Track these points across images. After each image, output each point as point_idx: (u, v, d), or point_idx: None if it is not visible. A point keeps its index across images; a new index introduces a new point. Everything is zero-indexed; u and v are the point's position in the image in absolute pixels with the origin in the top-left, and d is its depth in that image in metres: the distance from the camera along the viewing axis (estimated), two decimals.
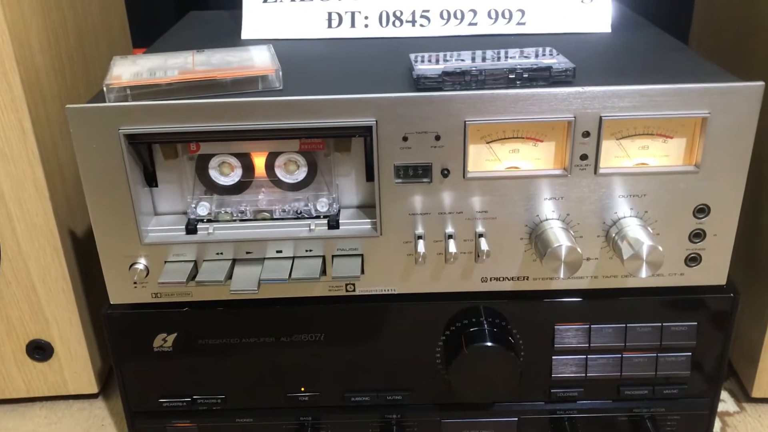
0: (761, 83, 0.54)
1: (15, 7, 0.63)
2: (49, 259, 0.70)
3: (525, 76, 0.55)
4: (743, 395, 0.77)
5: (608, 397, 0.66)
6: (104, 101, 0.55)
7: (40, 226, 0.69)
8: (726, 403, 0.76)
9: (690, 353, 0.64)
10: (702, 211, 0.58)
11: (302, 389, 0.66)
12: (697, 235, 0.59)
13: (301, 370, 0.65)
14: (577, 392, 0.66)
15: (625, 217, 0.58)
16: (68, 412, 0.79)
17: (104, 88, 0.55)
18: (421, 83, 0.55)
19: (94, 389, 0.78)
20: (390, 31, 0.72)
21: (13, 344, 0.74)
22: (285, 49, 0.67)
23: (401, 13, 0.72)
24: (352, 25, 0.73)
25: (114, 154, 0.55)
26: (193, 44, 0.71)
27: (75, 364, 0.76)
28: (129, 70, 0.58)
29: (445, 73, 0.55)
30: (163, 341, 0.63)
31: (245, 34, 0.74)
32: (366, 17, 0.72)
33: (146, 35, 1.01)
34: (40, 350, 0.75)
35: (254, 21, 0.73)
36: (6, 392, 0.77)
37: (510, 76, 0.55)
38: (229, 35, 0.75)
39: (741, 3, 0.78)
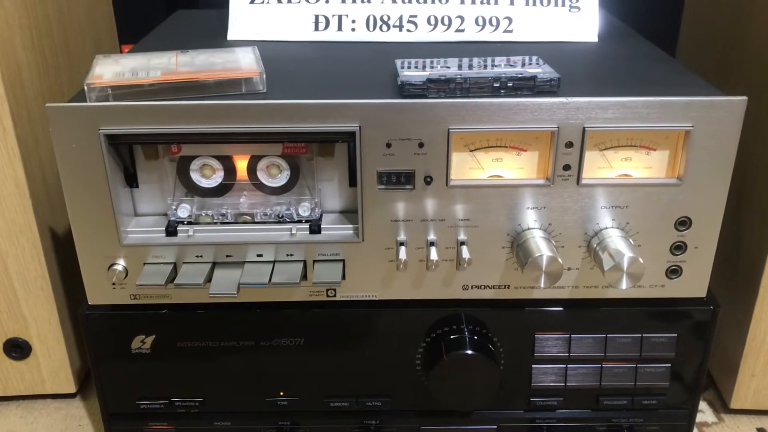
0: (744, 98, 0.54)
1: None
2: (29, 257, 0.70)
3: (509, 85, 0.55)
4: (722, 406, 0.77)
5: (587, 407, 0.66)
6: (85, 101, 0.55)
7: (20, 224, 0.68)
8: (704, 413, 0.77)
9: (669, 364, 0.64)
10: (683, 223, 0.58)
11: (281, 394, 0.66)
12: (679, 248, 0.59)
13: (280, 375, 0.65)
14: (557, 401, 0.66)
15: (606, 228, 0.58)
16: (45, 411, 0.78)
17: (85, 88, 0.55)
18: (405, 90, 0.55)
19: (72, 389, 0.77)
20: (377, 36, 0.72)
21: None
22: (271, 51, 0.67)
23: (388, 17, 0.72)
24: (339, 28, 0.72)
25: (94, 155, 0.55)
26: (178, 43, 0.70)
27: (53, 363, 0.75)
28: (111, 69, 0.57)
29: (430, 81, 0.55)
30: (142, 343, 0.63)
31: (231, 35, 0.73)
32: (353, 21, 0.72)
33: (134, 32, 1.00)
34: (17, 348, 0.74)
35: (241, 22, 0.73)
36: None
37: (494, 85, 0.55)
38: (215, 35, 0.74)
39: (728, 16, 0.78)
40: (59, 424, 0.76)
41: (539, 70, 0.57)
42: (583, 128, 0.55)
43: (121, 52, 1.00)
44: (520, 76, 0.55)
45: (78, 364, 0.78)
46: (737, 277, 0.72)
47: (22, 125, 0.66)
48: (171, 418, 0.67)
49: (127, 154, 0.58)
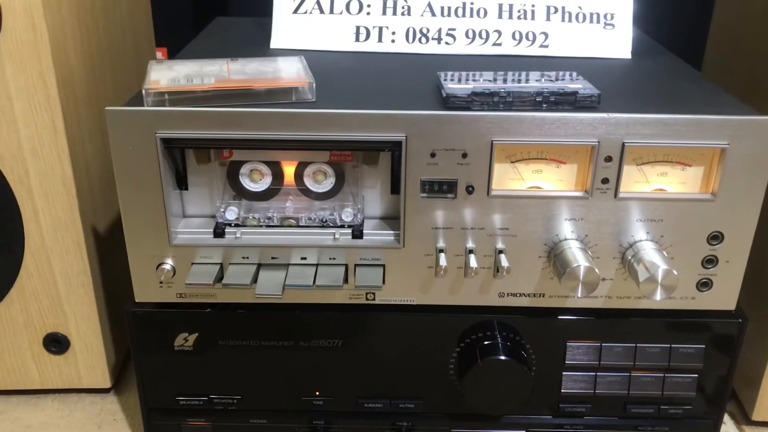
0: None
1: (54, 9, 0.64)
2: (72, 254, 0.72)
3: (551, 99, 0.57)
4: (743, 418, 0.79)
5: (614, 414, 0.68)
6: (142, 104, 0.57)
7: (65, 221, 0.70)
8: (726, 425, 0.78)
9: (696, 375, 0.66)
10: (716, 238, 0.60)
11: (317, 393, 0.67)
12: (710, 261, 0.61)
13: (316, 375, 0.67)
14: (585, 408, 0.67)
15: (641, 241, 0.60)
16: (80, 405, 0.80)
17: (143, 92, 0.57)
18: (450, 102, 0.57)
19: (107, 384, 0.79)
20: (416, 48, 0.74)
21: (31, 336, 0.75)
22: (313, 60, 0.69)
23: (428, 30, 0.74)
24: (380, 39, 0.74)
25: (149, 157, 0.57)
26: (222, 51, 0.72)
27: (90, 358, 0.77)
28: (166, 75, 0.59)
29: (475, 94, 0.57)
30: (185, 341, 0.65)
31: (274, 43, 0.75)
32: (393, 33, 0.74)
33: (166, 35, 1.03)
34: (56, 343, 0.76)
35: (283, 31, 0.75)
36: (20, 383, 0.78)
37: (537, 99, 0.57)
38: (257, 43, 0.76)
39: (756, 33, 0.80)
40: (94, 418, 0.78)
41: (579, 85, 0.59)
42: (623, 143, 0.57)
43: (156, 55, 1.03)
44: (561, 91, 0.57)
45: (113, 360, 0.79)
46: (763, 290, 0.73)
47: (72, 126, 0.68)
48: (209, 415, 0.68)
49: (180, 158, 0.60)
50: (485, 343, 0.63)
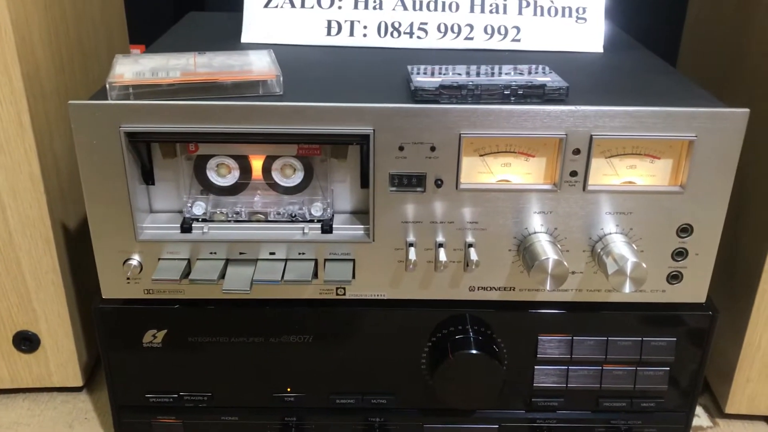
0: (746, 110, 0.56)
1: (18, 1, 0.63)
2: (41, 251, 0.71)
3: (519, 92, 0.57)
4: (717, 411, 0.79)
5: (587, 408, 0.68)
6: (106, 98, 0.56)
7: (34, 218, 0.69)
8: (700, 418, 0.78)
9: (668, 368, 0.66)
10: (685, 230, 0.60)
11: (288, 389, 0.67)
12: (680, 254, 0.61)
13: (288, 371, 0.66)
14: (557, 402, 0.67)
15: (610, 234, 0.60)
16: (51, 404, 0.79)
17: (107, 86, 0.56)
18: (418, 95, 0.57)
19: (79, 382, 0.78)
20: (388, 42, 0.74)
21: (0, 335, 0.74)
22: (283, 54, 0.68)
23: (399, 24, 0.74)
24: (351, 33, 0.74)
25: (114, 151, 0.56)
26: (192, 45, 0.72)
27: (61, 356, 0.76)
28: (131, 68, 0.59)
29: (443, 87, 0.57)
30: (153, 337, 0.64)
31: (245, 38, 0.75)
32: (365, 27, 0.74)
33: (143, 32, 1.02)
34: (26, 341, 0.75)
35: (254, 25, 0.74)
36: None
37: (505, 92, 0.57)
38: (229, 38, 0.76)
39: (729, 29, 0.80)
40: (65, 417, 0.77)
41: (548, 78, 0.59)
42: (591, 136, 0.56)
43: (130, 51, 1.02)
44: (530, 84, 0.57)
45: (85, 358, 0.79)
46: (735, 283, 0.73)
47: (39, 121, 0.67)
48: (179, 412, 0.68)
49: (146, 152, 0.59)
50: (456, 337, 0.63)
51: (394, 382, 0.67)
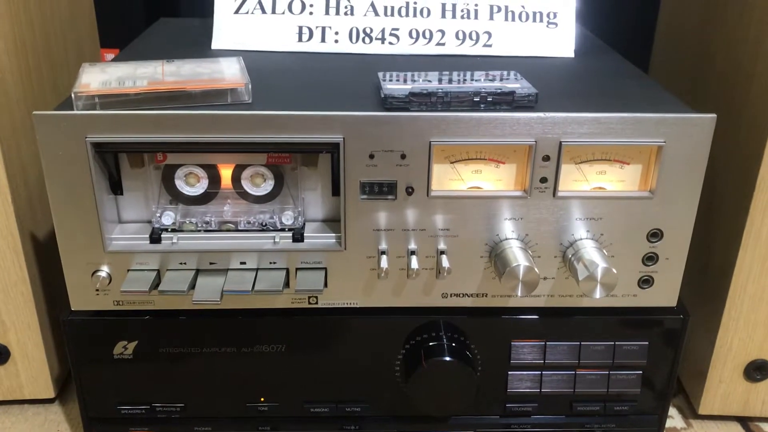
0: (713, 115, 0.56)
1: None
2: (9, 262, 0.70)
3: (489, 99, 0.57)
4: (690, 412, 0.79)
5: (561, 413, 0.68)
6: (72, 109, 0.55)
7: (1, 228, 0.68)
8: (674, 419, 0.79)
9: (641, 371, 0.66)
10: (655, 235, 0.60)
11: (262, 399, 0.67)
12: (650, 259, 0.61)
13: (261, 381, 0.66)
14: (532, 407, 0.68)
15: (581, 239, 0.60)
16: (23, 416, 0.78)
17: (72, 96, 0.55)
18: (388, 103, 0.57)
19: (51, 394, 0.77)
20: (359, 48, 0.74)
21: None
22: (255, 61, 0.68)
23: (371, 30, 0.74)
24: (323, 40, 0.74)
25: (80, 162, 0.56)
26: (162, 52, 0.71)
27: (32, 368, 0.75)
28: (98, 78, 0.58)
29: (412, 94, 0.56)
30: (124, 348, 0.63)
31: (215, 44, 0.74)
32: (336, 33, 0.73)
33: (114, 36, 1.01)
34: None
35: (225, 31, 0.74)
36: None
37: (474, 99, 0.57)
38: (199, 44, 0.75)
39: (698, 34, 0.81)
40: (37, 429, 0.76)
41: (518, 85, 0.59)
42: (560, 142, 0.57)
43: (101, 56, 1.01)
44: (499, 91, 0.57)
45: (57, 370, 0.78)
46: (706, 286, 0.74)
47: (5, 130, 0.66)
48: (152, 423, 0.67)
49: (113, 162, 0.59)
50: (430, 344, 0.63)
51: (368, 389, 0.66)
